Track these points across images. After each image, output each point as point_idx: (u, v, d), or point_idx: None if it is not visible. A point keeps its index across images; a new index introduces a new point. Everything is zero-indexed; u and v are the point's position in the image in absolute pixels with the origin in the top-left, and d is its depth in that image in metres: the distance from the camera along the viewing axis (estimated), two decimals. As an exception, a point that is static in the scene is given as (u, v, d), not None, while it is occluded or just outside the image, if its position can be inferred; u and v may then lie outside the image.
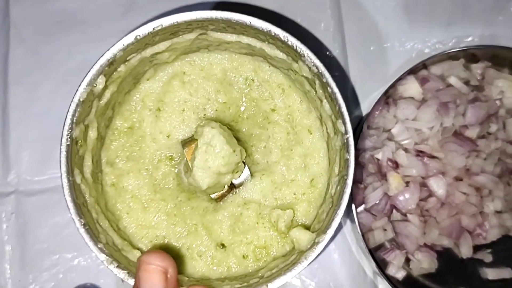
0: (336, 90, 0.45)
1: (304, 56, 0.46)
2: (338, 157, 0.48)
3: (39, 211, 0.66)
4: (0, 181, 0.66)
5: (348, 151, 0.45)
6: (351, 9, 0.70)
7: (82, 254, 0.65)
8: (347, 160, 0.45)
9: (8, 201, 0.66)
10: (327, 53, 0.68)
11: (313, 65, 0.46)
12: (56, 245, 0.65)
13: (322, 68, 0.46)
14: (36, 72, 0.69)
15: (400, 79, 0.65)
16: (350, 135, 0.45)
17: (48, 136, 0.67)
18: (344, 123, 0.45)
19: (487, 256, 0.64)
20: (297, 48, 0.46)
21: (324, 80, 0.46)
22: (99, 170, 0.52)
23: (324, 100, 0.48)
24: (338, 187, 0.47)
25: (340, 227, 0.66)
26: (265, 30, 0.46)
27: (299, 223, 0.52)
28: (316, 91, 0.49)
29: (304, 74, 0.49)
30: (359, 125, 0.67)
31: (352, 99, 0.68)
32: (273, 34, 0.46)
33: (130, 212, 0.53)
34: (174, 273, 0.39)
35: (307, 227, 0.51)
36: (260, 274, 0.48)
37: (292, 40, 0.46)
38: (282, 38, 0.46)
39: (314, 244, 0.45)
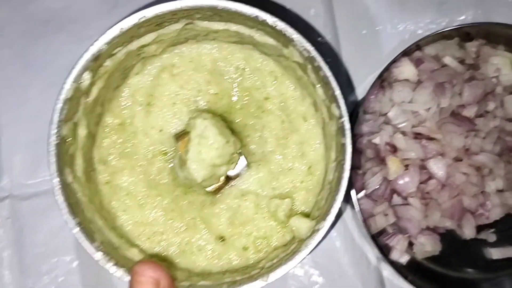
0: (329, 73, 0.44)
1: (294, 40, 0.45)
2: (334, 142, 0.47)
3: (35, 215, 0.65)
4: (-6, 187, 0.65)
5: (344, 135, 0.44)
6: (341, -7, 0.69)
7: (80, 256, 0.64)
8: (343, 145, 0.44)
9: (3, 206, 0.65)
10: (319, 39, 0.67)
11: (303, 49, 0.45)
12: (54, 248, 0.64)
13: (314, 52, 0.45)
14: (25, 74, 0.67)
15: (394, 61, 0.63)
16: (346, 118, 0.44)
17: (39, 139, 0.64)
18: (339, 107, 0.44)
19: (490, 236, 0.64)
20: (287, 33, 0.45)
21: (316, 64, 0.45)
22: (91, 168, 0.51)
23: (318, 85, 0.47)
24: (336, 172, 0.46)
25: (340, 214, 0.65)
26: (252, 16, 0.45)
27: (299, 212, 0.52)
28: (308, 76, 0.48)
29: (296, 59, 0.48)
30: (355, 111, 0.66)
31: (346, 85, 0.67)
32: (261, 19, 0.45)
33: (126, 210, 0.52)
34: (167, 284, 0.40)
35: (306, 215, 0.50)
36: (261, 265, 0.47)
37: (281, 25, 0.45)
38: (271, 23, 0.45)
39: (314, 231, 0.44)
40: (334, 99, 0.44)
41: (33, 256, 0.64)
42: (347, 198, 0.62)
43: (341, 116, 0.44)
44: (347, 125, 0.44)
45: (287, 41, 0.46)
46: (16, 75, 0.67)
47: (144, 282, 0.38)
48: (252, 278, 0.43)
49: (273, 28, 0.45)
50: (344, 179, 0.43)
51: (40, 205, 0.65)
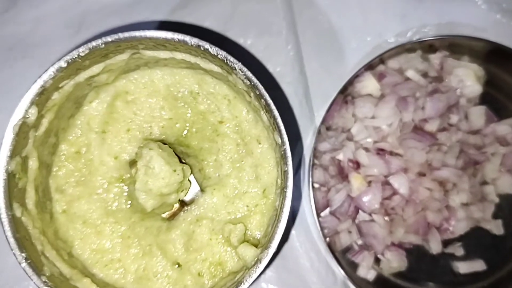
0: (270, 101, 0.44)
1: (235, 69, 0.45)
2: (279, 169, 0.47)
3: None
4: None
5: (286, 163, 0.44)
6: (304, 9, 0.69)
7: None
8: (285, 172, 0.44)
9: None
10: (281, 57, 0.67)
11: (245, 78, 0.45)
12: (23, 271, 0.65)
13: (255, 80, 0.45)
14: (-10, 101, 0.68)
15: (357, 76, 0.63)
16: (287, 146, 0.44)
17: None
18: (280, 135, 0.44)
19: (458, 250, 0.63)
20: (228, 62, 0.45)
21: (258, 92, 0.45)
22: (47, 198, 0.52)
23: (262, 112, 0.47)
24: (281, 200, 0.46)
25: (286, 237, 0.65)
26: (194, 45, 0.45)
27: (253, 236, 0.52)
28: (254, 103, 0.48)
29: (240, 87, 0.48)
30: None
31: (309, 102, 0.67)
32: (203, 48, 0.45)
33: (83, 238, 0.53)
34: None
35: (258, 242, 0.50)
36: (209, 293, 0.48)
37: (222, 54, 0.45)
38: (212, 52, 0.45)
39: (257, 261, 0.44)
40: (276, 126, 0.45)
41: (4, 280, 0.65)
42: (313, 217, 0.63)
43: (283, 144, 0.44)
44: (289, 153, 0.44)
45: (230, 69, 0.46)
46: (-19, 102, 0.68)
47: None
48: (198, 308, 0.43)
49: (214, 56, 0.46)
50: (286, 207, 0.43)
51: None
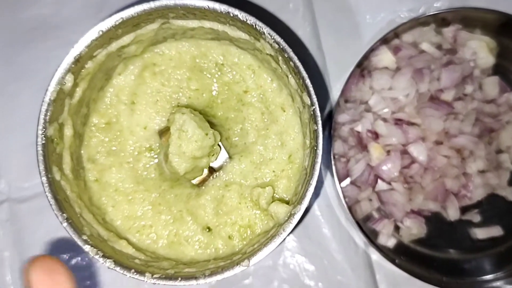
0: (298, 63, 0.46)
1: (264, 33, 0.47)
2: (308, 130, 0.49)
3: (33, 216, 0.67)
4: (-8, 191, 0.68)
5: (315, 122, 0.46)
6: (320, -14, 0.71)
7: (78, 254, 0.66)
8: (315, 131, 0.46)
9: (1, 209, 0.67)
10: (298, 32, 0.69)
11: (274, 42, 0.47)
12: (53, 247, 0.67)
13: (283, 44, 0.46)
14: (15, 82, 0.69)
15: (372, 50, 0.65)
16: (316, 106, 0.46)
17: (33, 142, 0.68)
18: (309, 95, 0.46)
19: (475, 216, 0.65)
20: (257, 26, 0.47)
21: (286, 55, 0.46)
22: (80, 167, 0.54)
23: (290, 75, 0.49)
24: (310, 158, 0.48)
25: (326, 200, 0.67)
26: (224, 12, 0.47)
27: (281, 199, 0.53)
28: (281, 68, 0.50)
29: (268, 52, 0.49)
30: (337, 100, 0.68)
31: (327, 76, 0.69)
32: (232, 15, 0.47)
33: (115, 205, 0.54)
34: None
35: (287, 202, 0.52)
36: (243, 251, 0.49)
37: (251, 19, 0.47)
38: (241, 18, 0.47)
39: (290, 215, 0.45)
40: (305, 88, 0.46)
41: (32, 255, 0.67)
42: (333, 185, 0.65)
43: (312, 104, 0.46)
44: (318, 113, 0.45)
45: (258, 35, 0.48)
46: (7, 83, 0.69)
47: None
48: (233, 263, 0.45)
49: (243, 22, 0.47)
50: (317, 164, 0.45)
51: (37, 206, 0.67)
